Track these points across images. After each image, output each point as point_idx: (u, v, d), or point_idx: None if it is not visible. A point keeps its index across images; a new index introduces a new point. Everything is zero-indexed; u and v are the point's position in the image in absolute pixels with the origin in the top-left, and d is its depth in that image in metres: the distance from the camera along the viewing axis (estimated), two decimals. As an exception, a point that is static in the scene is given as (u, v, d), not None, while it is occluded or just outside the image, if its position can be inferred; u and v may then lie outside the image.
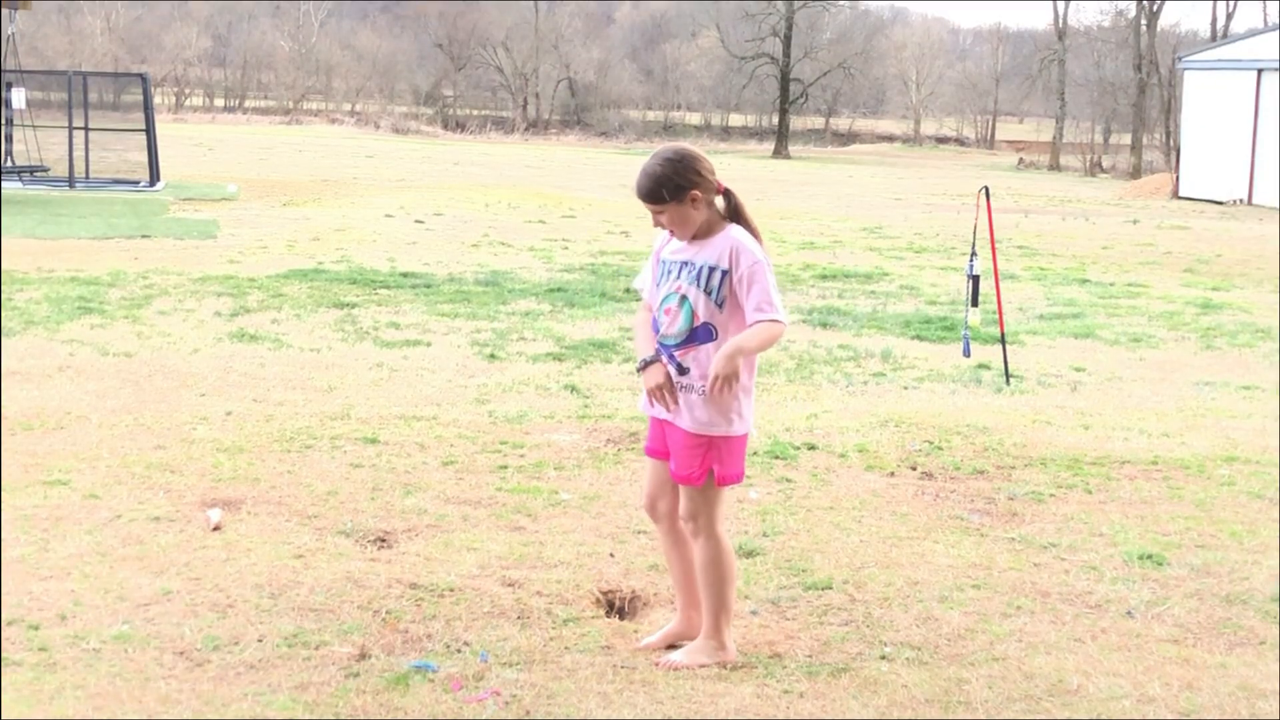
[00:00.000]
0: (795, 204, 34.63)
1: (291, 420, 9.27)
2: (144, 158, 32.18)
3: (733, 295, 5.35)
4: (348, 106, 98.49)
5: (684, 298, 5.40)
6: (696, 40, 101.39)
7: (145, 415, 9.26)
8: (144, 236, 20.91)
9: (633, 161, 60.31)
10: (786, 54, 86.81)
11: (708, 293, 5.36)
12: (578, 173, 46.73)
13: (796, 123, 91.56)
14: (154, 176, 31.71)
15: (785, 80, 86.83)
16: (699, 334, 5.38)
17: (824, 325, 14.59)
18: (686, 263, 5.43)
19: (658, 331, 5.48)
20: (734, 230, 5.44)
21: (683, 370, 5.39)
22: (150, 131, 32.17)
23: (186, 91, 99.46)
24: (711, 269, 5.37)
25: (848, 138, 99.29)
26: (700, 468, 5.41)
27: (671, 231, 5.45)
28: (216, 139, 59.35)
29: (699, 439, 5.39)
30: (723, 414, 5.37)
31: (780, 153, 79.50)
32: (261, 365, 11.25)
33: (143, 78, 34.66)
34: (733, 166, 59.21)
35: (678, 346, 5.40)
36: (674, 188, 5.34)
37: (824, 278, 18.91)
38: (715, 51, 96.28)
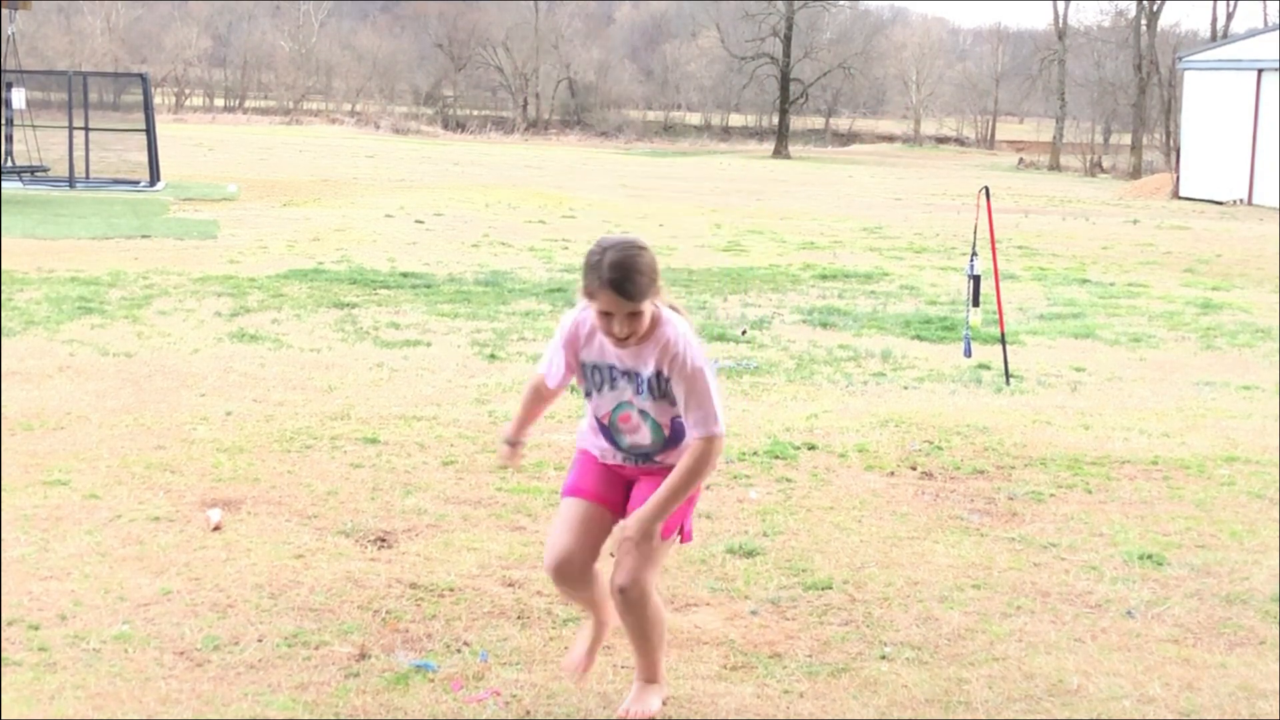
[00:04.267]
0: (795, 204, 34.62)
1: (291, 420, 9.26)
2: (144, 158, 32.18)
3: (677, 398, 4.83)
4: (348, 107, 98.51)
5: (643, 412, 4.86)
6: (696, 40, 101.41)
7: (145, 415, 9.24)
8: (144, 236, 20.90)
9: (633, 161, 60.40)
10: (786, 54, 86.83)
11: (666, 398, 4.82)
12: (578, 173, 46.72)
13: (797, 123, 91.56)
14: (154, 176, 31.70)
15: (785, 80, 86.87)
16: (676, 435, 4.88)
17: (824, 325, 14.61)
18: (628, 372, 4.84)
19: (610, 438, 4.97)
20: (667, 325, 4.79)
21: (667, 466, 4.88)
22: (150, 131, 32.16)
23: (186, 92, 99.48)
24: (658, 376, 4.79)
25: (848, 138, 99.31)
26: (676, 520, 4.90)
27: (620, 339, 4.74)
28: (216, 139, 59.36)
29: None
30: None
31: (780, 153, 79.53)
32: (261, 365, 11.25)
33: (143, 78, 34.65)
34: (733, 167, 59.31)
35: (658, 452, 4.93)
36: (653, 283, 4.72)
37: (824, 278, 18.90)
38: (715, 51, 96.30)
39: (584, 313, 4.87)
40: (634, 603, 4.87)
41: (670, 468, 4.83)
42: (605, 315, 4.67)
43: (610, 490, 5.00)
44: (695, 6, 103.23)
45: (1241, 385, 11.92)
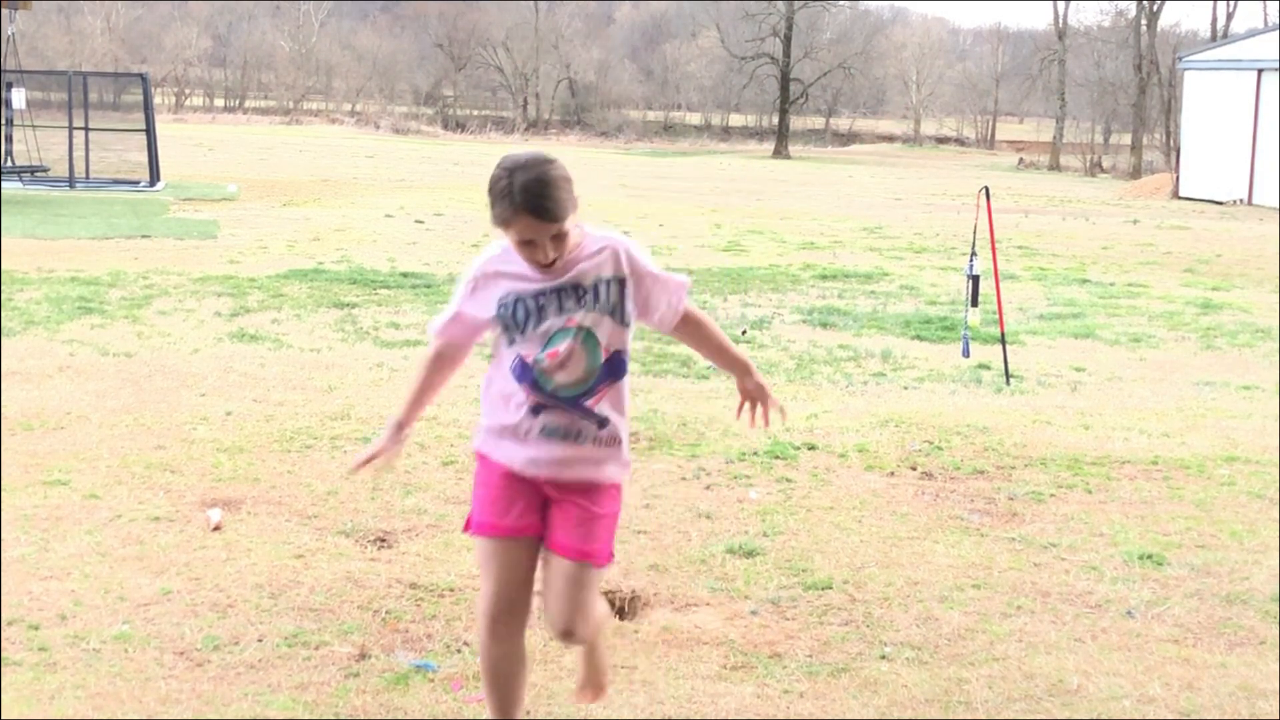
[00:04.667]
0: (795, 204, 34.61)
1: (291, 420, 9.25)
2: (144, 158, 32.17)
3: (637, 302, 4.38)
4: (348, 107, 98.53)
5: (586, 331, 4.27)
6: (696, 40, 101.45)
7: (145, 415, 9.23)
8: (144, 236, 20.91)
9: (633, 161, 60.37)
10: (786, 54, 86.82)
11: (613, 315, 4.31)
12: (577, 172, 46.22)
13: (797, 123, 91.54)
14: (154, 176, 31.69)
15: (785, 80, 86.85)
16: (613, 369, 4.34)
17: (824, 325, 14.63)
18: (566, 288, 4.27)
19: (533, 386, 4.32)
20: (591, 227, 4.41)
21: (603, 424, 4.36)
22: (150, 131, 32.16)
23: (186, 92, 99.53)
24: (609, 283, 4.31)
25: (848, 138, 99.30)
26: (608, 541, 4.45)
27: (549, 265, 4.23)
28: (216, 139, 59.31)
29: (611, 504, 4.43)
30: (623, 454, 4.47)
31: (780, 153, 79.46)
32: (261, 365, 11.25)
33: (142, 78, 34.65)
34: (733, 166, 59.27)
35: (588, 394, 4.32)
36: (571, 195, 4.25)
37: (824, 278, 18.91)
38: (715, 51, 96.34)
39: (496, 254, 4.36)
40: (583, 640, 4.52)
41: (591, 451, 4.34)
42: (527, 244, 4.18)
43: (524, 512, 4.36)
44: (695, 6, 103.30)
45: (1241, 385, 11.92)
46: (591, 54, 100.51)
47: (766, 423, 4.63)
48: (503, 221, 4.18)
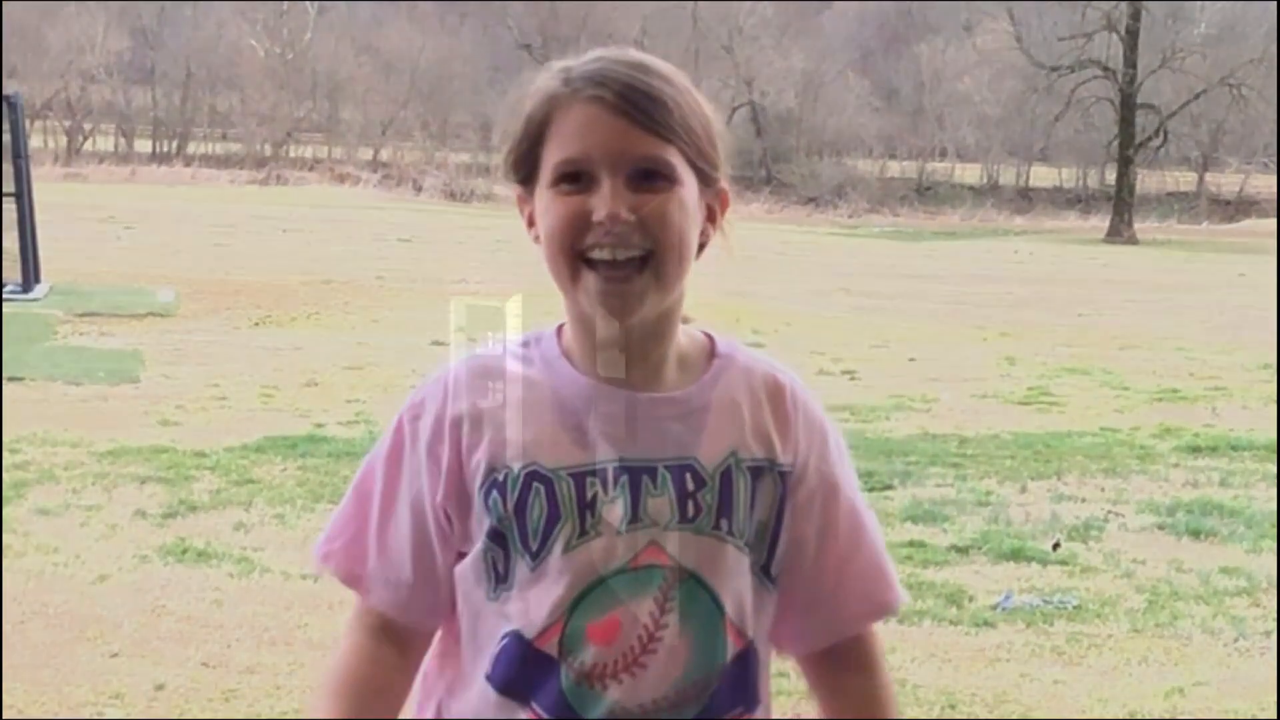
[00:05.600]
0: (1144, 323, 32.67)
1: (269, 699, 8.13)
2: (13, 244, 29.80)
3: (793, 546, 2.84)
4: (367, 153, 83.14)
5: (690, 579, 2.74)
6: (972, 38, 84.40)
7: (15, 693, 7.99)
8: (12, 380, 19.00)
9: (863, 248, 58.72)
10: (1131, 61, 75.93)
11: (755, 551, 2.81)
12: (770, 267, 42.43)
13: (1149, 181, 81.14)
14: (29, 277, 29.36)
15: (1128, 106, 76.15)
16: (743, 681, 2.83)
17: (1194, 534, 13.02)
18: (652, 468, 2.74)
19: (553, 700, 2.74)
20: (732, 341, 2.99)
21: None
22: (23, 198, 30.24)
23: (87, 127, 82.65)
24: (755, 473, 2.79)
25: (1237, 207, 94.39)
26: None
27: (614, 241, 2.75)
28: (139, 209, 55.57)
29: None
30: None
31: (1119, 233, 70.92)
32: (217, 603, 9.96)
33: (8, 101, 32.46)
34: (1037, 257, 54.66)
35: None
36: (710, 144, 2.85)
37: (1194, 450, 17.06)
38: (1006, 57, 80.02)
39: (466, 374, 2.88)
40: None
41: None
42: (569, 182, 2.69)
43: None
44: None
45: None
46: (792, 61, 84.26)
47: None
48: (534, 125, 2.73)
